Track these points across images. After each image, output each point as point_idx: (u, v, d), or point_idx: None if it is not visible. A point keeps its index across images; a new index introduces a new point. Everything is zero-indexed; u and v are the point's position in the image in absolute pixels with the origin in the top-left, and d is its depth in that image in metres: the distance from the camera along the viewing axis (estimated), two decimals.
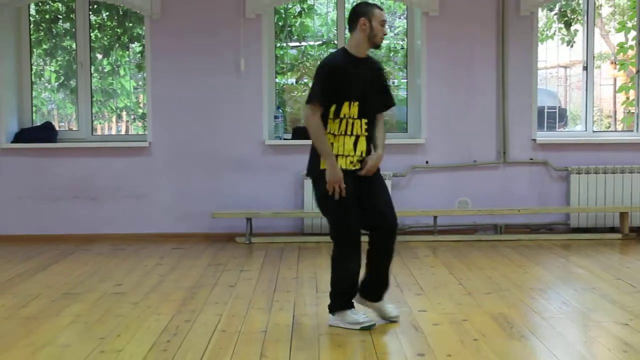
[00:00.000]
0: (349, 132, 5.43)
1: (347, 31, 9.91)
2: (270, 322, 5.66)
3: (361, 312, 5.53)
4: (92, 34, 10.13)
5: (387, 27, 5.61)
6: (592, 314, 5.84)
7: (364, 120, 5.46)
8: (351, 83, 5.39)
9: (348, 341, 5.17)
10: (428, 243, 9.14)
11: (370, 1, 5.66)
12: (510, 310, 5.94)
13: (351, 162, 5.45)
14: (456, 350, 4.93)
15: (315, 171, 5.47)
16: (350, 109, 5.40)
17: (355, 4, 5.73)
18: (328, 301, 5.59)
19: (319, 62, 5.60)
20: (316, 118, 5.34)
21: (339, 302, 5.50)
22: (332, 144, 5.39)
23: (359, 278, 5.56)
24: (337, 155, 5.39)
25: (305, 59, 10.46)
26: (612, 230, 9.56)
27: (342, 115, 5.39)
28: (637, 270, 7.49)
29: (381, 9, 5.54)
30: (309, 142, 5.46)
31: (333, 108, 5.38)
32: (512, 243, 9.09)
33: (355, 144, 5.45)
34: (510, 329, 5.42)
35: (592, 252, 8.49)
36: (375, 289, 5.63)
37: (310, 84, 5.45)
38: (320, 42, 10.40)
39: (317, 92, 5.36)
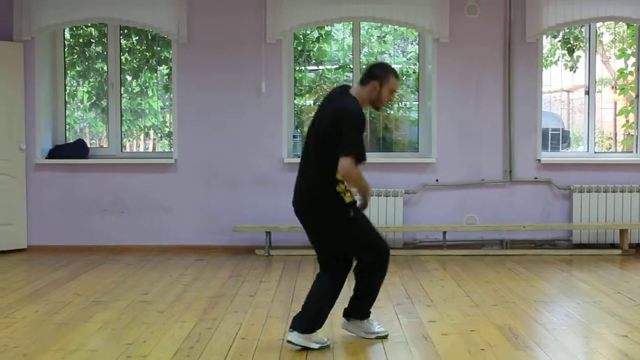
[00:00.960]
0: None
1: (362, 56, 9.95)
2: (287, 330, 5.64)
3: (375, 321, 5.54)
4: (122, 57, 10.18)
5: (395, 94, 5.56)
6: (593, 326, 5.81)
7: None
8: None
9: (361, 350, 5.16)
10: (437, 257, 9.12)
11: (391, 66, 5.54)
12: (516, 322, 5.91)
13: (350, 196, 5.30)
14: (464, 359, 4.91)
15: (332, 207, 5.23)
16: None
17: (377, 62, 5.61)
18: (365, 310, 5.51)
19: (343, 108, 5.24)
20: (355, 167, 5.13)
21: (364, 311, 5.51)
22: (342, 182, 5.20)
23: None
24: (346, 192, 5.24)
25: (322, 81, 10.48)
26: (613, 246, 9.51)
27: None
28: (636, 285, 7.45)
29: (398, 77, 5.44)
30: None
31: None
32: (518, 258, 9.06)
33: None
34: (516, 339, 5.40)
35: (593, 267, 8.45)
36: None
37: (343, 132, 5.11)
38: (337, 66, 10.42)
39: (356, 144, 5.12)
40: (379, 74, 5.31)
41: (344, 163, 5.03)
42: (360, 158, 5.17)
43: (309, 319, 5.20)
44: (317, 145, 5.22)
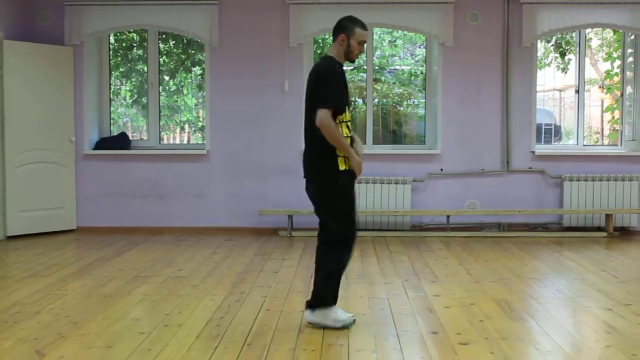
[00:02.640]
0: (349, 134, 4.96)
1: (375, 58, 9.93)
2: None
3: (341, 310, 5.03)
4: (160, 59, 10.20)
5: (365, 46, 5.07)
6: (580, 300, 5.79)
7: (350, 123, 5.02)
8: (347, 89, 4.97)
9: (373, 320, 5.16)
10: (441, 238, 9.10)
11: (357, 18, 5.10)
12: (511, 296, 5.90)
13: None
14: (465, 329, 4.91)
15: (328, 173, 4.91)
16: (346, 114, 4.93)
17: (343, 16, 5.08)
18: (311, 295, 5.05)
19: (316, 67, 5.00)
20: (331, 119, 4.76)
21: (326, 297, 4.96)
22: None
23: None
24: (341, 157, 4.87)
25: None
26: (599, 229, 9.47)
27: (341, 120, 4.87)
28: (620, 264, 7.41)
29: (364, 27, 5.01)
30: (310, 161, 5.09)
31: (343, 116, 4.89)
32: (514, 239, 9.03)
33: (351, 142, 4.99)
34: (511, 312, 5.39)
35: (581, 248, 8.41)
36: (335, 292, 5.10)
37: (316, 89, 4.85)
38: (352, 67, 10.39)
39: (332, 96, 4.78)
40: (345, 26, 4.97)
41: (319, 114, 4.73)
42: (338, 111, 4.84)
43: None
44: (307, 113, 4.95)
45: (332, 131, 4.76)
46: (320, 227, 5.13)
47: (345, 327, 4.90)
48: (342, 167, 4.89)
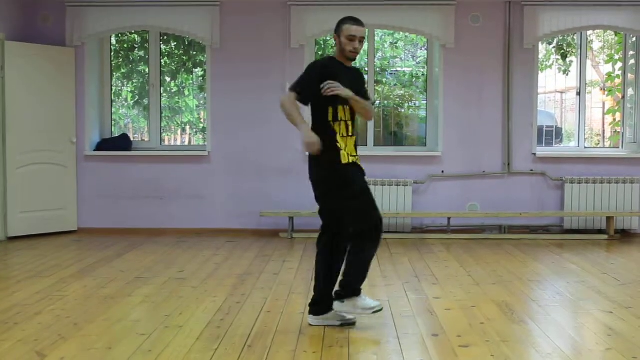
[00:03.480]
0: (350, 134, 4.97)
1: (376, 59, 9.95)
2: (307, 304, 5.66)
3: (368, 297, 5.06)
4: (162, 61, 10.21)
5: (357, 42, 4.97)
6: (581, 303, 5.79)
7: (353, 122, 5.01)
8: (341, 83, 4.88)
9: (373, 322, 5.15)
10: (442, 240, 9.11)
11: (352, 16, 5.12)
12: (512, 299, 5.90)
13: (354, 158, 4.96)
14: (465, 331, 4.91)
15: (328, 170, 4.90)
16: (345, 113, 4.94)
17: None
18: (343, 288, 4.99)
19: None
20: (292, 100, 4.86)
21: (355, 289, 4.96)
22: (342, 137, 4.90)
23: None
24: (349, 155, 4.90)
25: None
26: (600, 232, 9.47)
27: (340, 119, 4.91)
28: (621, 267, 7.42)
29: (355, 23, 5.00)
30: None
31: (331, 111, 4.89)
32: (514, 242, 9.03)
33: (355, 145, 5.03)
34: (512, 314, 5.39)
35: (582, 251, 8.41)
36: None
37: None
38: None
39: (302, 84, 4.90)
40: (337, 26, 5.06)
41: (283, 95, 4.93)
42: (302, 100, 4.91)
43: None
44: (311, 111, 5.04)
45: (289, 104, 4.85)
46: (322, 230, 5.12)
47: (377, 312, 4.94)
48: (344, 161, 4.88)
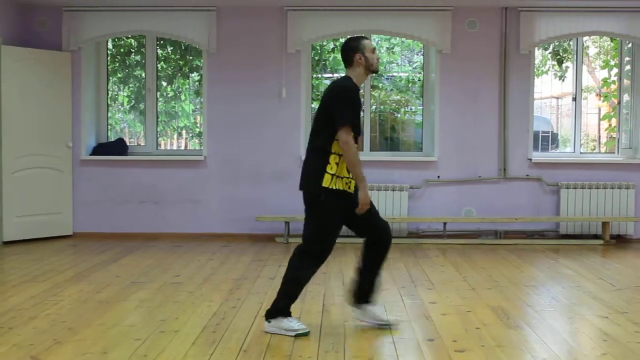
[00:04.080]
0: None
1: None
2: (303, 309, 5.66)
3: (295, 320, 5.02)
4: (158, 65, 10.21)
5: (377, 52, 5.09)
6: (576, 308, 5.80)
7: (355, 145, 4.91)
8: (359, 110, 4.92)
9: (369, 327, 5.15)
10: (438, 245, 9.11)
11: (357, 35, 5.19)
12: (508, 304, 5.90)
13: (347, 184, 4.92)
14: (461, 336, 4.91)
15: (318, 188, 4.86)
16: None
17: (345, 41, 5.13)
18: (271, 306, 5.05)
19: (333, 85, 4.99)
20: (352, 140, 4.79)
21: (284, 308, 4.99)
22: (336, 164, 4.85)
23: None
24: (337, 177, 4.85)
25: None
26: (596, 237, 9.49)
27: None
28: (616, 272, 7.42)
29: (368, 38, 5.10)
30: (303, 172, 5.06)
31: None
32: (510, 247, 9.04)
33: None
34: (507, 319, 5.39)
35: (578, 256, 8.42)
36: (368, 293, 5.19)
37: (333, 107, 4.82)
38: None
39: (350, 115, 4.76)
40: (354, 45, 5.00)
41: (341, 133, 4.74)
42: (355, 132, 4.82)
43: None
44: (313, 128, 4.99)
45: (354, 155, 4.79)
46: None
47: (300, 335, 4.89)
48: (325, 184, 4.84)
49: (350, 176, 4.91)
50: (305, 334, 4.93)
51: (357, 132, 4.88)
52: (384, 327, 5.14)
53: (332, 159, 4.86)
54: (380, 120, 10.22)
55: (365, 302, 5.20)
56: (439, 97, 9.59)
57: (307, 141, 5.08)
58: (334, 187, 4.86)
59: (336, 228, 4.97)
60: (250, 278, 6.97)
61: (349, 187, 4.94)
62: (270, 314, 5.00)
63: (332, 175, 4.85)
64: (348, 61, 5.04)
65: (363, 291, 5.19)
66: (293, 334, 4.90)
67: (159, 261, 7.91)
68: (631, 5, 9.26)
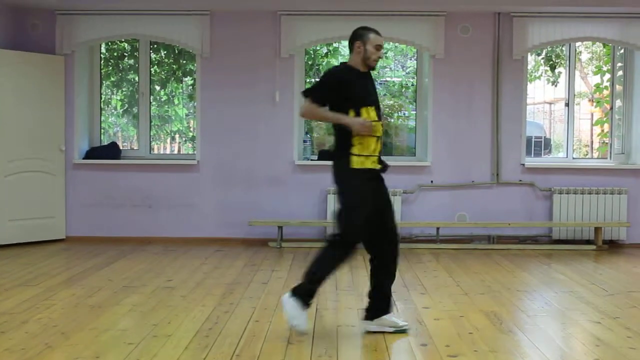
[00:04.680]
0: (372, 133, 4.96)
1: None
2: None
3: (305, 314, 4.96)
4: (152, 69, 10.20)
5: (382, 51, 5.21)
6: (569, 313, 5.80)
7: (379, 123, 5.03)
8: (362, 91, 5.01)
9: (362, 332, 5.15)
10: (431, 250, 9.12)
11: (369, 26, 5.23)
12: (500, 309, 5.91)
13: (373, 162, 5.00)
14: (454, 341, 4.91)
15: (342, 172, 4.96)
16: (370, 113, 4.95)
17: (358, 27, 5.28)
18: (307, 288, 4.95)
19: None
20: (312, 105, 4.97)
21: (309, 292, 4.92)
22: (360, 144, 4.91)
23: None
24: (362, 156, 4.91)
25: None
26: (588, 242, 9.50)
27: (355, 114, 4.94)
28: (609, 277, 7.44)
29: (378, 34, 5.16)
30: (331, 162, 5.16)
31: (352, 113, 4.90)
32: (503, 252, 9.05)
33: (376, 144, 5.01)
34: (500, 324, 5.40)
35: (570, 261, 8.44)
36: (386, 303, 5.18)
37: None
38: None
39: (317, 91, 4.99)
40: (359, 34, 5.13)
41: (302, 103, 5.02)
42: (377, 113, 5.00)
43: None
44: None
45: (310, 109, 5.01)
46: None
47: (300, 334, 4.96)
48: (354, 165, 4.91)
49: (377, 153, 5.01)
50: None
51: (378, 114, 5.05)
52: (401, 331, 5.14)
53: (355, 140, 4.93)
54: None
55: (383, 315, 5.16)
56: (432, 102, 9.60)
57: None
58: (363, 168, 4.95)
59: (367, 208, 4.94)
60: (243, 283, 6.96)
61: (375, 164, 5.04)
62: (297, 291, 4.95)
63: (358, 155, 4.93)
64: (350, 47, 5.15)
65: (378, 308, 5.17)
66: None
67: (152, 265, 7.90)
68: (623, 11, 9.28)
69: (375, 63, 5.15)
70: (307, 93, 5.04)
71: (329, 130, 10.10)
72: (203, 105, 9.66)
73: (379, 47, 5.13)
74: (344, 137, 4.97)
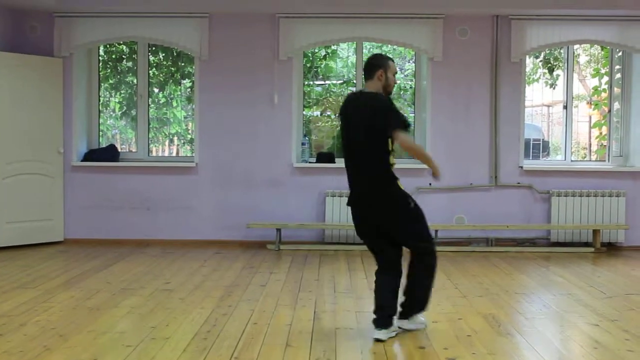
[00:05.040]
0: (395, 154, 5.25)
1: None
2: (294, 317, 5.66)
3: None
4: (150, 71, 10.20)
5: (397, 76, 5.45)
6: (567, 316, 5.81)
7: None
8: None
9: (360, 334, 5.16)
10: None
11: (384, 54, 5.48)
12: (499, 311, 5.91)
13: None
14: (452, 344, 4.92)
15: (396, 196, 5.21)
16: (393, 144, 5.20)
17: (373, 54, 5.48)
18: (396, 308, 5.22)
19: (377, 102, 5.21)
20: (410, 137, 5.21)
21: (424, 305, 5.33)
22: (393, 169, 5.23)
23: None
24: (396, 179, 5.22)
25: (328, 95, 10.48)
26: (586, 244, 9.50)
27: (392, 149, 5.19)
28: (607, 279, 7.44)
29: (393, 61, 5.39)
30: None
31: (390, 142, 5.15)
32: (501, 254, 9.05)
33: None
34: (498, 327, 5.40)
35: (568, 263, 8.44)
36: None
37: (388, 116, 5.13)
38: (342, 81, 10.43)
39: (404, 118, 5.19)
40: (380, 63, 5.29)
41: (402, 136, 5.08)
42: (407, 127, 5.17)
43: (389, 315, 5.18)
44: (365, 143, 5.16)
45: (419, 147, 5.35)
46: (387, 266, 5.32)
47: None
48: (402, 188, 5.23)
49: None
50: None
51: (409, 125, 5.27)
52: (423, 328, 5.37)
53: (391, 167, 5.23)
54: None
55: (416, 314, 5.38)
56: (431, 105, 9.60)
57: (349, 160, 5.29)
58: (403, 189, 5.26)
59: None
60: (242, 285, 6.96)
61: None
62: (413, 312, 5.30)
63: (397, 179, 5.24)
64: (370, 74, 5.30)
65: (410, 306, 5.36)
66: (424, 326, 5.33)
67: (150, 268, 7.90)
68: (622, 14, 9.29)
69: (393, 89, 5.40)
70: (402, 125, 5.10)
71: (328, 134, 10.12)
72: (201, 108, 9.66)
73: (395, 74, 5.36)
74: (387, 166, 5.19)
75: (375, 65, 5.29)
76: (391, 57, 5.46)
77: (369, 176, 5.20)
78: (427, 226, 5.29)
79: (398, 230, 5.22)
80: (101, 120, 10.27)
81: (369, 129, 5.09)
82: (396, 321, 5.20)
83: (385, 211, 5.18)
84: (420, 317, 5.36)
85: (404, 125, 5.12)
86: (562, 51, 10.30)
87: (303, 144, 9.76)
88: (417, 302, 5.29)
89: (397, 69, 5.38)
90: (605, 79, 10.26)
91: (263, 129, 9.62)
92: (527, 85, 9.93)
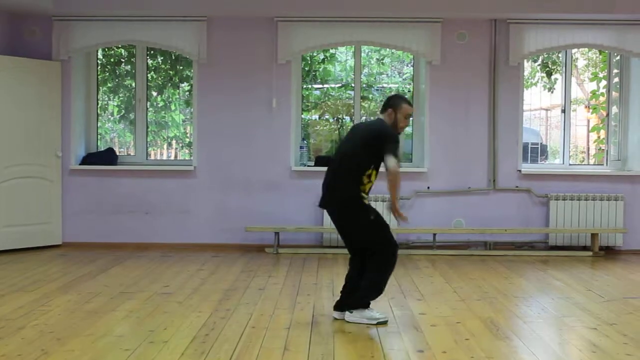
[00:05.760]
0: (373, 180, 5.65)
1: (362, 76, 9.98)
2: (293, 320, 5.66)
3: (375, 310, 5.64)
4: (148, 75, 10.20)
5: (410, 119, 5.89)
6: (566, 319, 5.81)
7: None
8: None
9: (359, 338, 5.16)
10: (428, 256, 9.12)
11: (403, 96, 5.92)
12: (497, 315, 5.91)
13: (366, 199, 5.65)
14: (450, 347, 4.92)
15: (354, 203, 5.58)
16: (374, 174, 5.68)
17: (394, 93, 6.07)
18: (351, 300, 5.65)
19: (380, 128, 5.71)
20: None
21: (367, 301, 5.62)
22: (367, 185, 5.60)
23: None
24: (363, 194, 5.58)
25: (327, 98, 10.49)
26: (585, 248, 9.51)
27: (370, 174, 5.58)
28: (605, 283, 7.44)
29: (410, 105, 5.73)
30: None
31: (373, 169, 5.60)
32: (500, 258, 9.05)
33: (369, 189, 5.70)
34: (497, 330, 5.40)
35: (567, 267, 8.44)
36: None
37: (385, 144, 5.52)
38: (340, 85, 10.43)
39: (398, 151, 5.51)
40: (393, 103, 5.70)
41: (393, 163, 5.40)
42: (378, 165, 5.60)
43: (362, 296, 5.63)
44: (350, 156, 5.60)
45: (398, 176, 5.46)
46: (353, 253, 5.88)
47: (381, 324, 5.51)
48: (367, 203, 5.61)
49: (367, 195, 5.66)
50: (384, 323, 5.53)
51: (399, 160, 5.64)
52: (371, 324, 5.55)
53: (363, 184, 5.60)
54: None
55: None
56: (429, 108, 9.61)
57: (331, 165, 5.81)
58: (365, 203, 5.63)
59: (387, 226, 5.71)
60: (240, 288, 6.96)
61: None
62: (354, 306, 5.62)
63: (364, 198, 5.61)
64: (383, 110, 5.77)
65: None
66: (375, 322, 5.51)
67: (149, 271, 7.89)
68: (619, 18, 9.31)
69: (402, 130, 5.77)
70: (395, 153, 5.47)
71: (326, 137, 10.13)
72: (200, 111, 9.66)
73: (408, 116, 5.74)
74: (357, 181, 5.57)
75: (388, 104, 5.73)
76: (409, 100, 5.88)
77: (337, 184, 5.67)
78: (387, 234, 5.64)
79: (356, 236, 5.72)
80: (99, 124, 10.27)
81: (361, 145, 5.58)
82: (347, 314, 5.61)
83: (343, 217, 5.70)
84: (374, 314, 5.59)
85: (396, 155, 5.47)
86: (560, 55, 10.32)
87: (301, 147, 9.76)
88: (359, 295, 5.62)
89: (411, 113, 5.78)
90: (604, 82, 10.27)
91: (261, 133, 9.62)
92: (525, 89, 9.94)
